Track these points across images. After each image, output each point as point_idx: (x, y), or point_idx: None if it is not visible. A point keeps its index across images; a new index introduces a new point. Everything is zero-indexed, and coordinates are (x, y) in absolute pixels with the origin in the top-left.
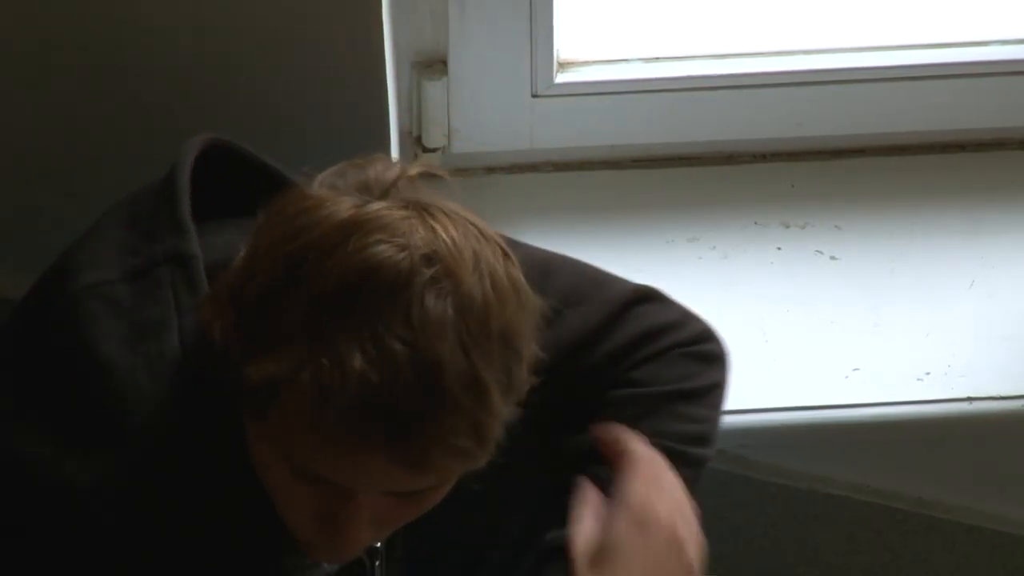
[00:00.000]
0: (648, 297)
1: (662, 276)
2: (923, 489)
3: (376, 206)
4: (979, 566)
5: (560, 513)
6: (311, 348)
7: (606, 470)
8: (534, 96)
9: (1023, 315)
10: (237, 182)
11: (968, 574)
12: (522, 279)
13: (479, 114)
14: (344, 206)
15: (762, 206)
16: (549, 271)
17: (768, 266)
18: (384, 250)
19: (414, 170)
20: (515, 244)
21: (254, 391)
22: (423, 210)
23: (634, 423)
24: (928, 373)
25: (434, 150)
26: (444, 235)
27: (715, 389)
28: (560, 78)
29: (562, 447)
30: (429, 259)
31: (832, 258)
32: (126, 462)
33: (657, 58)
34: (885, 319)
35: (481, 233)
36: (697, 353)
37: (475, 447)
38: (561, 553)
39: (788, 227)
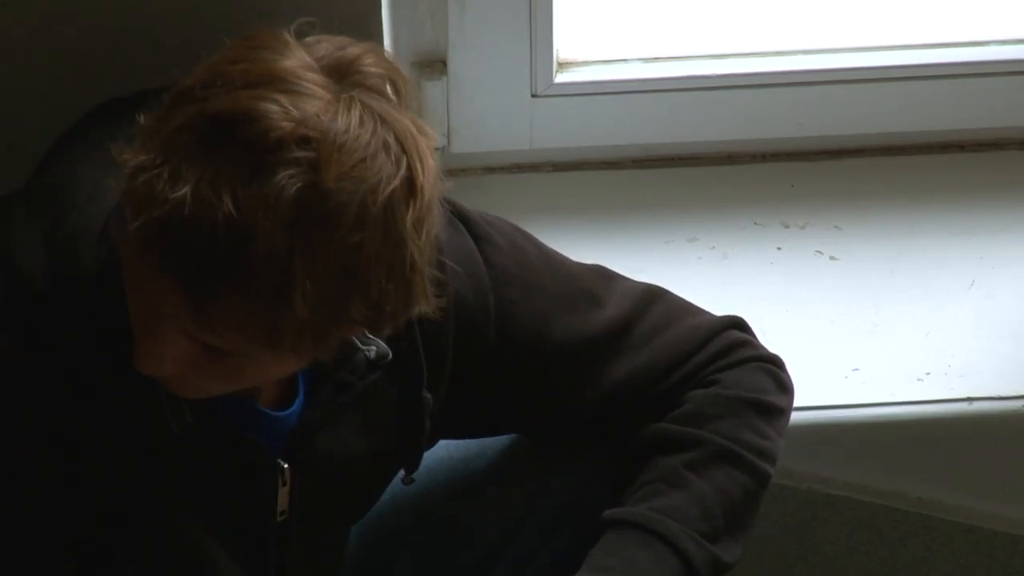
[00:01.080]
0: (736, 325)
1: (662, 276)
2: (923, 489)
3: (310, 75)
4: (979, 566)
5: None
6: (163, 157)
7: (677, 461)
8: (534, 96)
9: (1023, 315)
10: None
11: (968, 574)
12: (412, 225)
13: (479, 114)
14: (289, 62)
15: (762, 206)
16: (649, 299)
17: (768, 266)
18: (273, 110)
19: (378, 68)
20: (614, 277)
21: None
22: (350, 100)
23: (710, 422)
24: (928, 373)
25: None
26: (343, 130)
27: (783, 415)
28: (560, 78)
29: (641, 433)
30: (307, 141)
31: (832, 258)
32: (19, 204)
33: (657, 58)
34: (885, 319)
35: (404, 160)
36: (775, 374)
37: (264, 335)
38: (618, 524)
39: (788, 227)
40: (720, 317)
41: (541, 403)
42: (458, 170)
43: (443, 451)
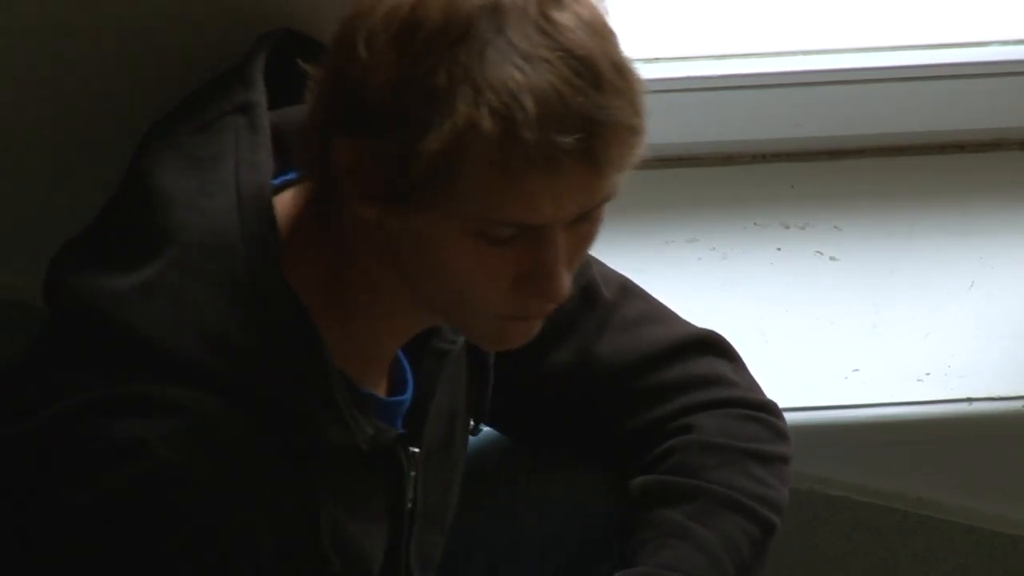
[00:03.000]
0: (719, 347)
1: (662, 276)
2: (923, 489)
3: None
4: (979, 566)
5: (620, 550)
6: (474, 94)
7: (678, 512)
8: None
9: (1023, 315)
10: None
11: (968, 574)
12: None
13: None
14: None
15: (762, 206)
16: (628, 291)
17: (768, 266)
18: None
19: None
20: (596, 261)
21: (434, 169)
22: None
23: (708, 472)
24: (928, 374)
25: None
26: None
27: (784, 463)
28: None
29: (631, 487)
30: None
31: (832, 259)
32: (173, 274)
33: (656, 58)
34: (885, 320)
35: None
36: (767, 422)
37: (640, 124)
38: None
39: (788, 227)
40: (701, 328)
41: (538, 368)
42: None
43: None
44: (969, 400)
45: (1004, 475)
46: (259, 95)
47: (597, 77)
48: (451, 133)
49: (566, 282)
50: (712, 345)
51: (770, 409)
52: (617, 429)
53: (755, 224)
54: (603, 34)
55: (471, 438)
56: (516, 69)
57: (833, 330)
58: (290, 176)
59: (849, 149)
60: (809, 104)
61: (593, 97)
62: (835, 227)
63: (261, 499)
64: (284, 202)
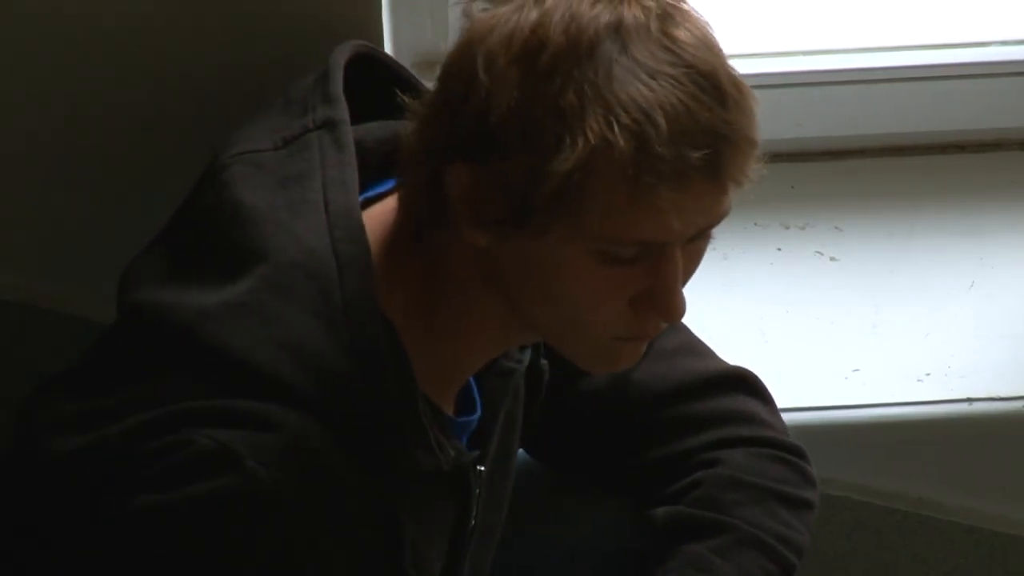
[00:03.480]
0: (754, 387)
1: None
2: (923, 489)
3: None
4: (979, 566)
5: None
6: (605, 112)
7: (701, 546)
8: None
9: (1023, 315)
10: (377, 92)
11: (968, 574)
12: None
13: None
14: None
15: (762, 206)
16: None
17: (768, 267)
18: (612, 5)
19: None
20: None
21: (562, 189)
22: None
23: (734, 508)
24: (928, 374)
25: None
26: None
27: (809, 509)
28: None
29: (654, 516)
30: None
31: (832, 259)
32: (263, 293)
33: None
34: (885, 320)
35: None
36: (796, 465)
37: (758, 138)
38: None
39: (788, 228)
40: (733, 369)
41: (573, 390)
42: None
43: None
44: (969, 400)
45: (1004, 475)
46: (343, 112)
47: (720, 92)
48: (584, 151)
49: (682, 297)
50: (748, 384)
51: (800, 453)
52: (644, 455)
53: (755, 224)
54: (717, 50)
55: None
56: (644, 86)
57: (833, 330)
58: (370, 193)
59: (849, 149)
60: (809, 104)
61: (718, 112)
62: (835, 227)
63: (343, 519)
64: (370, 220)
